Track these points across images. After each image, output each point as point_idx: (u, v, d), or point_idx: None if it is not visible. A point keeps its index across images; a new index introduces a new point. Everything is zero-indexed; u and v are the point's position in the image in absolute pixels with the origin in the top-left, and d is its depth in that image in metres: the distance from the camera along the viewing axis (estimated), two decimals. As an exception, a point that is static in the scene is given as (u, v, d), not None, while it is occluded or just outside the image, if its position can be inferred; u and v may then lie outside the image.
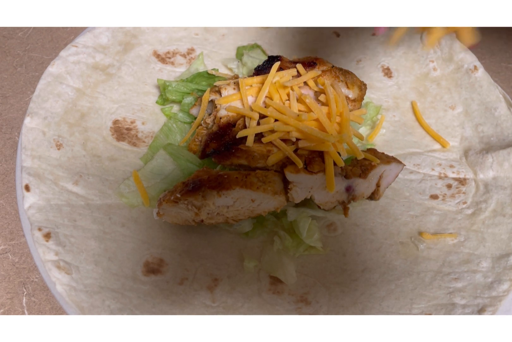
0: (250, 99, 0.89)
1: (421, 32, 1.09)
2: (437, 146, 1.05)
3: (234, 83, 0.92)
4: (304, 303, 0.81)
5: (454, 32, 0.91)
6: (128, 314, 0.75)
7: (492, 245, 0.88)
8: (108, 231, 0.84)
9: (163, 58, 1.09)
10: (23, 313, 0.99)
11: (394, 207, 0.95)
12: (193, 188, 0.78)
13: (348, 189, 0.85)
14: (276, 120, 0.85)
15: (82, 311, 0.73)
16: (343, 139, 0.83)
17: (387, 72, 1.14)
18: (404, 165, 0.90)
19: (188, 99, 1.00)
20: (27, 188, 0.82)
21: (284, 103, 0.88)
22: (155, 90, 1.05)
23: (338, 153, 0.83)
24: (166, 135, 0.98)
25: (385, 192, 0.93)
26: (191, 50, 1.11)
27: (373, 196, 0.89)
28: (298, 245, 0.87)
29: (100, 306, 0.74)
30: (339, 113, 0.87)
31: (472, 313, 0.78)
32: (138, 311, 0.76)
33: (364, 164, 0.86)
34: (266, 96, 0.88)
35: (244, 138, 0.85)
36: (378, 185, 0.87)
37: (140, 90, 1.04)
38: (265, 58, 1.00)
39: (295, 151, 0.83)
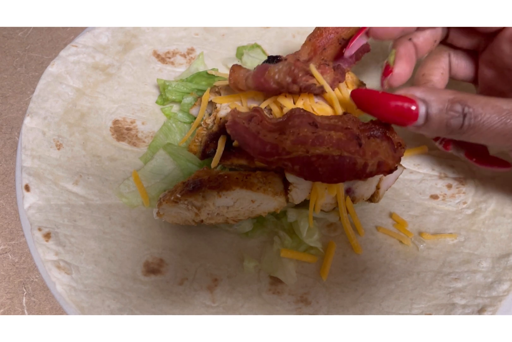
0: (249, 99, 0.89)
1: None
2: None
3: (234, 83, 0.92)
4: (304, 303, 0.81)
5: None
6: (128, 314, 0.75)
7: (492, 245, 0.88)
8: (108, 231, 0.84)
9: (163, 58, 1.09)
10: (23, 313, 0.99)
11: (394, 207, 0.95)
12: (193, 188, 0.79)
13: (348, 191, 0.85)
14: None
15: (82, 311, 0.73)
16: None
17: (387, 72, 1.14)
18: (405, 168, 0.90)
19: (188, 99, 1.00)
20: (27, 188, 0.82)
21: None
22: (155, 90, 1.05)
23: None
24: (165, 135, 0.98)
25: (385, 192, 0.93)
26: (191, 50, 1.11)
27: (372, 198, 0.89)
28: (298, 245, 0.87)
29: (100, 306, 0.74)
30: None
31: (472, 313, 0.78)
32: (138, 311, 0.76)
33: (364, 165, 0.85)
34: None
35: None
36: (378, 187, 0.87)
37: (140, 90, 1.04)
38: (265, 58, 1.00)
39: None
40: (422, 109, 0.72)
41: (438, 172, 1.00)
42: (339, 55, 0.88)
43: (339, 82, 0.85)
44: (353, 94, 0.77)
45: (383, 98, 0.73)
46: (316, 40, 0.88)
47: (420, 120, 0.73)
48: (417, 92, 0.73)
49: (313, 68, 0.81)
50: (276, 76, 0.81)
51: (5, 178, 1.16)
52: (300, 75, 0.80)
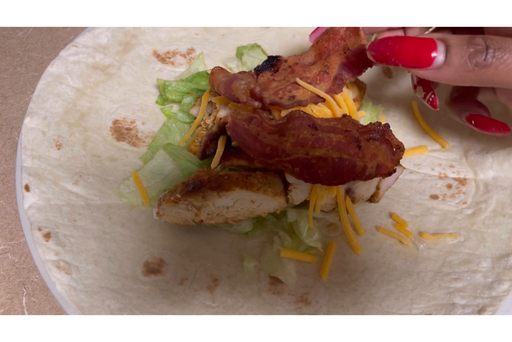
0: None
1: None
2: (437, 146, 1.05)
3: (234, 83, 0.92)
4: (304, 303, 0.81)
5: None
6: (128, 314, 0.75)
7: (492, 245, 0.88)
8: (108, 231, 0.84)
9: (163, 58, 1.09)
10: (23, 313, 0.99)
11: (394, 207, 0.95)
12: (193, 188, 0.79)
13: (348, 191, 0.85)
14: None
15: (82, 311, 0.73)
16: None
17: (387, 72, 1.14)
18: (405, 168, 0.90)
19: (188, 99, 1.00)
20: (27, 188, 0.82)
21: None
22: (155, 90, 1.05)
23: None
24: (165, 135, 0.98)
25: (385, 192, 0.93)
26: (191, 50, 1.11)
27: (372, 199, 0.89)
28: (298, 245, 0.87)
29: (100, 306, 0.74)
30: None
31: (472, 313, 0.78)
32: (138, 311, 0.76)
33: (364, 165, 0.85)
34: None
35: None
36: (378, 188, 0.87)
37: (140, 90, 1.04)
38: (265, 58, 1.00)
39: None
40: (441, 46, 0.69)
41: (438, 171, 1.00)
42: (343, 64, 0.88)
43: (334, 93, 0.86)
44: (370, 47, 0.75)
45: (399, 40, 0.71)
46: (323, 44, 0.88)
47: (440, 56, 0.68)
48: (434, 35, 0.71)
49: (299, 81, 0.83)
50: (234, 93, 0.81)
51: (5, 178, 1.16)
52: (263, 93, 0.79)
